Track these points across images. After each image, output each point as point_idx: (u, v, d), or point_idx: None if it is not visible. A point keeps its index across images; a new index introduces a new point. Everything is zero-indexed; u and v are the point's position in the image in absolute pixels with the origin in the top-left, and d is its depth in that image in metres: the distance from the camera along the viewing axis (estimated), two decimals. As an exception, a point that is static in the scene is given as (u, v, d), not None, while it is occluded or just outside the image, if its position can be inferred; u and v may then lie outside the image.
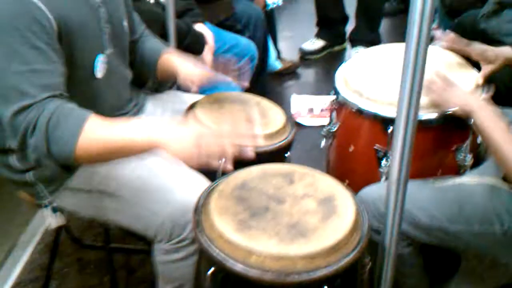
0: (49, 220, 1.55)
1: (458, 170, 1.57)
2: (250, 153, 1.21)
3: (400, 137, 1.12)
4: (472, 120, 1.42)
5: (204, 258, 1.21)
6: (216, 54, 2.21)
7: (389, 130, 1.49)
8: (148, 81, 1.78)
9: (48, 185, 1.46)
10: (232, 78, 1.67)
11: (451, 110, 1.49)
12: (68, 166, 1.41)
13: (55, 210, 1.53)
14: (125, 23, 1.55)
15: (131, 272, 2.00)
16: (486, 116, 1.41)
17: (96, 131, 1.20)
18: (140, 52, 1.70)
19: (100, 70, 1.41)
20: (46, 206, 1.52)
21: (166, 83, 1.80)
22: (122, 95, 1.59)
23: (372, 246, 1.33)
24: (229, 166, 1.19)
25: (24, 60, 1.19)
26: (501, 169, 1.40)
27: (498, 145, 1.35)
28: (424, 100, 1.46)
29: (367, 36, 3.33)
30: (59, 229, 1.69)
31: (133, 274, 1.99)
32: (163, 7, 2.02)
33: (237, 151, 1.18)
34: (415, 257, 1.56)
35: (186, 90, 1.73)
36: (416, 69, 1.06)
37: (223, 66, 1.70)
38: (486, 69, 1.65)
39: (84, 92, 1.38)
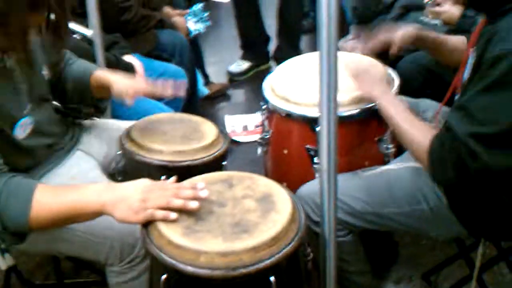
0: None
1: (383, 160, 1.68)
2: (193, 205, 1.26)
3: (325, 133, 1.22)
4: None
5: (155, 266, 1.26)
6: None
7: (317, 129, 1.59)
8: (83, 104, 1.80)
9: None
10: (166, 89, 1.68)
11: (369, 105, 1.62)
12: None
13: (3, 251, 1.55)
14: (44, 72, 1.56)
15: (87, 305, 2.01)
16: (388, 101, 1.51)
17: (44, 202, 1.28)
18: (70, 76, 1.71)
19: (20, 132, 1.42)
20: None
21: (102, 101, 1.82)
22: (53, 136, 1.60)
23: (315, 238, 1.43)
24: (173, 216, 1.25)
25: None
26: None
27: (399, 127, 1.44)
28: (343, 98, 1.59)
29: (290, 53, 3.42)
30: (8, 272, 1.68)
31: (89, 307, 2.00)
32: (89, 42, 2.08)
33: (181, 203, 1.26)
34: (356, 244, 1.65)
35: (120, 110, 1.76)
36: (330, 73, 1.17)
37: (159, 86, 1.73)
38: (392, 50, 1.76)
39: (9, 153, 1.39)
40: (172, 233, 1.22)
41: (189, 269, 1.16)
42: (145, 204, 1.25)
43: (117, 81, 1.66)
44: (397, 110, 1.47)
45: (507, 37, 1.20)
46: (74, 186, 1.34)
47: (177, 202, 1.25)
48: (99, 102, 1.81)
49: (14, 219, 1.28)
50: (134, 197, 1.26)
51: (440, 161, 1.30)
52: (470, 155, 1.23)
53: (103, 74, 1.71)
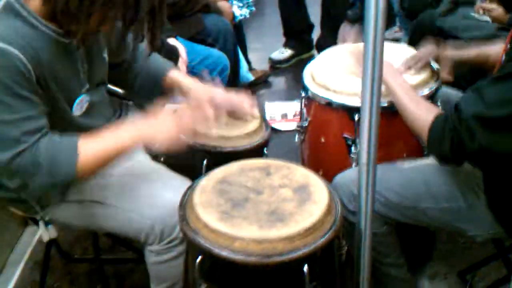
0: (41, 234, 1.62)
1: (422, 152, 1.67)
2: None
3: (366, 123, 1.20)
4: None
5: (191, 248, 1.29)
6: (189, 66, 2.30)
7: (355, 119, 1.59)
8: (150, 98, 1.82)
9: (40, 200, 1.52)
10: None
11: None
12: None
13: (47, 223, 1.59)
14: (105, 55, 1.59)
15: (121, 280, 2.05)
16: (394, 80, 1.53)
17: (88, 151, 1.34)
18: (142, 72, 1.73)
19: (78, 109, 1.47)
20: (38, 220, 1.58)
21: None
22: (105, 118, 1.63)
23: (350, 228, 1.43)
24: (214, 129, 1.45)
25: (12, 110, 1.27)
26: None
27: (403, 106, 1.47)
28: (383, 88, 1.56)
29: (333, 43, 3.44)
30: (49, 245, 1.74)
31: (124, 283, 2.05)
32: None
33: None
34: (391, 236, 1.64)
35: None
36: (375, 63, 1.15)
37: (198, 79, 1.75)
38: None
39: (65, 129, 1.42)
40: (209, 217, 1.24)
41: (224, 253, 1.18)
42: (181, 123, 1.39)
43: (195, 88, 1.68)
44: (401, 89, 1.50)
45: None
46: (111, 130, 1.40)
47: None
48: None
49: (63, 173, 1.32)
50: (168, 125, 1.39)
51: (439, 135, 1.33)
52: (468, 134, 1.27)
53: (180, 77, 1.74)
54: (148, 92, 1.76)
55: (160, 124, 1.40)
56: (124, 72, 1.72)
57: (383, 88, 1.22)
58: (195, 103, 1.50)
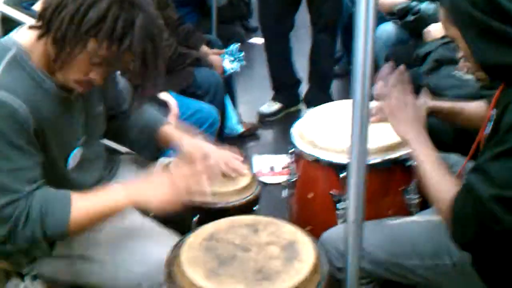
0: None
1: (408, 210, 1.69)
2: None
3: (353, 181, 1.22)
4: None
5: (177, 307, 1.28)
6: (180, 119, 2.33)
7: (341, 176, 1.62)
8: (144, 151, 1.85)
9: (27, 254, 1.51)
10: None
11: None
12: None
13: (34, 278, 1.57)
14: (101, 108, 1.61)
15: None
16: (420, 146, 1.47)
17: (81, 208, 1.35)
18: (136, 124, 1.76)
19: (72, 163, 1.49)
20: (24, 275, 1.56)
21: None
22: (95, 172, 1.64)
23: (337, 285, 1.43)
24: (208, 188, 1.43)
25: (8, 159, 1.30)
26: None
27: (425, 177, 1.43)
28: (369, 146, 1.59)
29: (320, 97, 3.51)
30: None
31: None
32: (127, 77, 2.14)
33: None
34: (378, 294, 1.64)
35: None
36: (363, 119, 1.18)
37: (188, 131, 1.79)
38: None
39: (56, 183, 1.43)
40: (195, 275, 1.24)
41: (210, 312, 1.18)
42: (175, 185, 1.37)
43: (187, 142, 1.71)
44: (427, 159, 1.45)
45: None
46: (105, 189, 1.43)
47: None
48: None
49: (54, 227, 1.33)
50: (161, 180, 1.39)
51: (462, 221, 1.30)
52: (493, 219, 1.24)
53: (172, 131, 1.77)
54: (142, 145, 1.79)
55: (154, 186, 1.40)
56: (120, 125, 1.74)
57: (369, 146, 1.25)
58: (188, 159, 1.52)
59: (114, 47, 1.28)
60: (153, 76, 1.37)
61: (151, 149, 1.80)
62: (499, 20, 1.26)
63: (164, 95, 2.29)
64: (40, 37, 1.32)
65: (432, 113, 1.76)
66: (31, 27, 1.34)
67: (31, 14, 1.81)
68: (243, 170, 1.72)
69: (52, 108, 1.39)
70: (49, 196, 1.34)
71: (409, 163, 1.65)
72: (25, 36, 1.38)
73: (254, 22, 5.02)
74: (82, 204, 1.36)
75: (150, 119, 1.78)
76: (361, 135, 1.19)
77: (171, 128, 1.78)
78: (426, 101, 1.75)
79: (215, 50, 3.06)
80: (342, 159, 1.64)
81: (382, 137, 1.67)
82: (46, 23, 1.30)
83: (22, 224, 1.30)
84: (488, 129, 1.41)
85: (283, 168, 3.02)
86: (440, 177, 1.41)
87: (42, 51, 1.36)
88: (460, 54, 1.42)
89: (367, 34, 1.10)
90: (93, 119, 1.57)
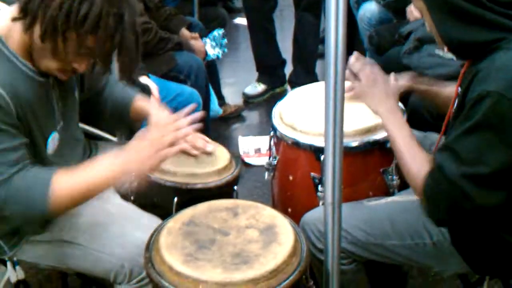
0: (9, 274, 1.61)
1: (388, 191, 1.69)
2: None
3: (330, 164, 1.23)
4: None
5: (157, 291, 1.29)
6: (162, 103, 2.32)
7: (322, 158, 1.62)
8: (120, 126, 1.88)
9: (8, 240, 1.52)
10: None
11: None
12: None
13: (15, 264, 1.58)
14: (76, 92, 1.62)
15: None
16: (391, 122, 1.50)
17: (62, 184, 1.35)
18: (110, 100, 1.77)
19: (51, 147, 1.48)
20: (6, 260, 1.58)
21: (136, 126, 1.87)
22: (74, 158, 1.63)
23: (320, 267, 1.43)
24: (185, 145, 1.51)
25: None
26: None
27: (399, 151, 1.45)
28: (348, 128, 1.60)
29: (305, 79, 3.51)
30: (17, 285, 1.72)
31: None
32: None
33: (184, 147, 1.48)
34: (360, 274, 1.65)
35: None
36: (337, 103, 1.19)
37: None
38: None
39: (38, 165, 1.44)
40: (173, 260, 1.24)
41: (188, 297, 1.18)
42: (154, 148, 1.39)
43: (156, 115, 1.71)
44: (400, 133, 1.47)
45: (487, 77, 1.24)
46: (87, 164, 1.41)
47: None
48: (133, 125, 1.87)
49: (35, 203, 1.33)
50: (141, 145, 1.41)
51: (434, 201, 1.33)
52: (464, 196, 1.27)
53: (144, 105, 1.77)
54: (117, 123, 1.81)
55: (134, 148, 1.41)
56: (93, 102, 1.74)
57: (346, 128, 1.25)
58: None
59: (106, 41, 1.29)
60: (134, 64, 1.38)
61: (126, 126, 1.83)
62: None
63: (144, 79, 2.27)
64: (26, 29, 1.31)
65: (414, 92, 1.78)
66: (14, 19, 1.32)
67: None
68: (206, 148, 1.71)
69: (31, 92, 1.38)
70: (29, 177, 1.34)
71: (388, 144, 1.65)
72: (0, 21, 1.36)
73: (238, 2, 4.98)
74: (63, 181, 1.35)
75: (121, 95, 1.79)
76: (336, 117, 1.19)
77: (143, 102, 1.79)
78: (403, 82, 1.75)
79: (195, 35, 3.01)
80: (321, 142, 1.63)
81: (361, 119, 1.67)
82: (32, 16, 1.28)
83: (3, 206, 1.32)
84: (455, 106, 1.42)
85: (268, 150, 3.02)
86: (412, 154, 1.42)
87: (19, 37, 1.35)
88: (427, 28, 1.43)
89: (338, 17, 1.09)
90: (70, 104, 1.57)
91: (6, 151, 1.32)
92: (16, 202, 1.32)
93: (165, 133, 1.43)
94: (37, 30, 1.29)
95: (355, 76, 1.63)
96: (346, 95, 1.57)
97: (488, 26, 1.28)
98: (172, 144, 1.42)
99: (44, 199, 1.32)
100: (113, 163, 1.39)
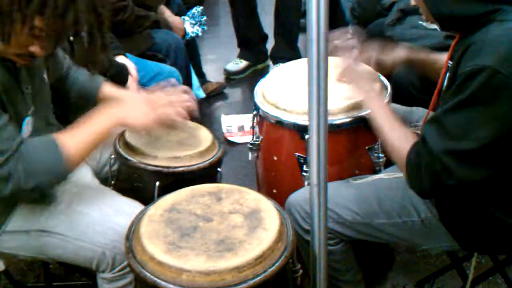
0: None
1: (374, 169, 1.66)
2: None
3: (314, 142, 1.19)
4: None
5: (139, 281, 1.25)
6: (140, 83, 2.26)
7: (306, 138, 1.57)
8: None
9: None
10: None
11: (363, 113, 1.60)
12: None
13: None
14: (45, 75, 1.57)
15: (76, 307, 2.00)
16: (372, 101, 1.51)
17: (70, 144, 1.37)
18: (75, 85, 1.74)
19: (26, 133, 1.44)
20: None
21: None
22: None
23: (306, 246, 1.41)
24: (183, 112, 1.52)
25: None
26: None
27: (383, 133, 1.44)
28: (332, 106, 1.56)
29: (287, 53, 3.45)
30: (-1, 276, 1.69)
31: (78, 310, 1.99)
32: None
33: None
34: (347, 253, 1.63)
35: None
36: (320, 81, 1.14)
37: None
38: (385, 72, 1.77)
39: None
40: (155, 249, 1.20)
41: (171, 287, 1.14)
42: (151, 106, 1.46)
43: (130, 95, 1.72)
44: (383, 117, 1.46)
45: (480, 51, 1.20)
46: (86, 120, 1.44)
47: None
48: None
49: (54, 166, 1.35)
50: (139, 101, 1.48)
51: (417, 173, 1.31)
52: (445, 171, 1.25)
53: (113, 90, 1.75)
54: (84, 108, 1.72)
55: (130, 103, 1.48)
56: (57, 88, 1.69)
57: (330, 105, 1.20)
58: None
59: (57, 22, 1.24)
60: (100, 45, 1.34)
61: (90, 109, 1.77)
62: None
63: (122, 59, 2.20)
64: None
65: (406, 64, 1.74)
66: None
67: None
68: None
69: (2, 77, 1.34)
70: (38, 142, 1.35)
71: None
72: None
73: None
74: (71, 142, 1.37)
75: (87, 83, 1.75)
76: (319, 96, 1.15)
77: (111, 88, 1.76)
78: (401, 54, 1.71)
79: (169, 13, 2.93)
80: (305, 120, 1.59)
81: (345, 96, 1.63)
82: None
83: (25, 178, 1.29)
84: (445, 80, 1.38)
85: (252, 127, 2.98)
86: (395, 133, 1.41)
87: None
88: (413, 2, 1.39)
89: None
90: (39, 88, 1.52)
91: (2, 127, 1.30)
92: (35, 171, 1.31)
93: (159, 97, 1.50)
94: None
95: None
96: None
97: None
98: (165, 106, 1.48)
99: (60, 159, 1.34)
100: (110, 113, 1.44)
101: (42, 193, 1.44)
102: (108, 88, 1.75)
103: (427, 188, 1.31)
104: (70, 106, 1.76)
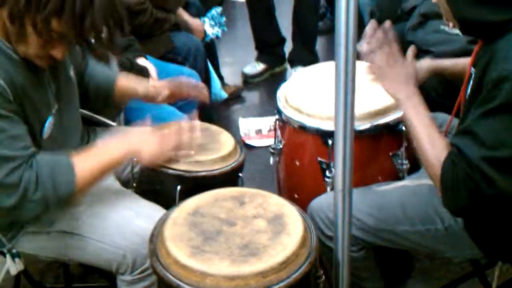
0: (8, 267, 1.57)
1: (398, 175, 1.65)
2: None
3: (340, 148, 1.18)
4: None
5: (162, 284, 1.25)
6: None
7: (329, 143, 1.57)
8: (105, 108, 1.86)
9: (7, 232, 1.48)
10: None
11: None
12: None
13: (14, 256, 1.55)
14: (72, 73, 1.57)
15: (94, 309, 2.00)
16: (411, 108, 1.41)
17: (84, 168, 1.37)
18: (92, 81, 1.73)
19: (47, 132, 1.45)
20: (6, 253, 1.54)
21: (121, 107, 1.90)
22: (71, 143, 1.60)
23: (328, 252, 1.41)
24: (192, 152, 1.55)
25: (1, 130, 1.27)
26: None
27: (417, 139, 1.37)
28: (357, 111, 1.53)
29: (305, 56, 3.44)
30: (18, 276, 1.69)
31: (97, 312, 2.00)
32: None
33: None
34: (369, 260, 1.62)
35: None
36: (347, 86, 1.13)
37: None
38: None
39: None
40: (179, 253, 1.20)
41: (195, 291, 1.14)
42: (163, 146, 1.46)
43: (142, 85, 1.77)
44: (418, 120, 1.38)
45: (506, 58, 1.18)
46: (98, 147, 1.47)
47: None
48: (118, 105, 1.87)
49: (64, 183, 1.33)
50: (153, 139, 1.47)
51: (453, 186, 1.25)
52: (485, 181, 1.20)
53: (128, 83, 1.77)
54: (102, 101, 1.77)
55: (145, 138, 1.46)
56: (80, 84, 1.69)
57: (357, 112, 1.19)
58: (176, 126, 1.56)
59: (75, 25, 1.24)
60: (119, 45, 1.40)
61: (110, 108, 1.82)
62: None
63: (142, 61, 2.20)
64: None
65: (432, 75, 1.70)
66: None
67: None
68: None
69: (22, 77, 1.34)
70: (51, 158, 1.35)
71: (398, 127, 1.61)
72: None
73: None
74: (83, 165, 1.37)
75: (103, 76, 1.76)
76: (346, 101, 1.14)
77: (127, 80, 1.78)
78: (426, 67, 1.68)
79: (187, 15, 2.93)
80: (329, 126, 1.59)
81: (369, 101, 1.61)
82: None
83: (34, 188, 1.29)
84: (469, 89, 1.36)
85: (270, 131, 2.98)
86: (431, 140, 1.34)
87: (1, 23, 1.30)
88: (438, 7, 1.37)
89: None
90: (64, 85, 1.53)
91: (17, 137, 1.30)
92: (45, 184, 1.31)
93: (172, 138, 1.50)
94: (5, 13, 1.25)
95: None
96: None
97: (504, 5, 1.22)
98: (175, 148, 1.49)
99: (71, 180, 1.34)
100: (126, 143, 1.44)
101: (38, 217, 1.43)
102: (124, 81, 1.77)
103: (465, 203, 1.25)
104: (91, 102, 1.77)
